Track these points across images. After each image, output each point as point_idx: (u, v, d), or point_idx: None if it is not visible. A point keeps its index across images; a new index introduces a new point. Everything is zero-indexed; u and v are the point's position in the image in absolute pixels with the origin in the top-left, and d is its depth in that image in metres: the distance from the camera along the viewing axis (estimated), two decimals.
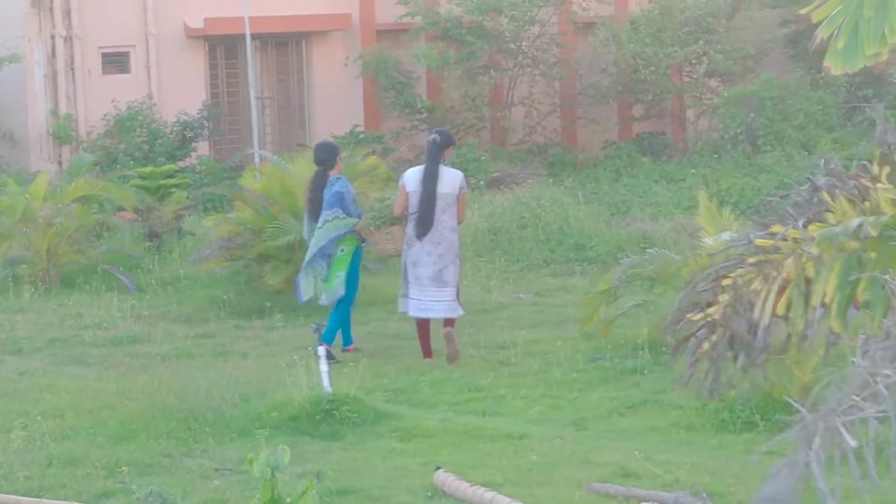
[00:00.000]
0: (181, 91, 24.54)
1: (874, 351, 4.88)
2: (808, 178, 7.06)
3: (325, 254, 13.41)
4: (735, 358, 6.94)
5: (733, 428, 10.46)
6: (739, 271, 6.86)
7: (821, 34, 5.19)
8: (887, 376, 4.68)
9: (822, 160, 7.19)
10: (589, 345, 13.37)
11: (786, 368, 9.94)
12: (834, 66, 5.25)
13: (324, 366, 11.16)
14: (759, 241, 6.76)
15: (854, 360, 5.01)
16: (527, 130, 26.21)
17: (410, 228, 13.06)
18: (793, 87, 24.76)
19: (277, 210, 16.02)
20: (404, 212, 13.16)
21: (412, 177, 13.10)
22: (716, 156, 24.26)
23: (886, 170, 6.51)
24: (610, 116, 26.76)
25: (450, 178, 12.99)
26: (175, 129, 24.16)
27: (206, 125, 24.67)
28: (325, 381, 11.14)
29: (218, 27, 24.62)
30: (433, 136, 13.23)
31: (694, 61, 26.16)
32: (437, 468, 9.42)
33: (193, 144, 24.42)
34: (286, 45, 25.97)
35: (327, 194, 13.39)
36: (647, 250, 14.82)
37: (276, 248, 16.00)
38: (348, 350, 13.71)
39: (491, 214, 19.77)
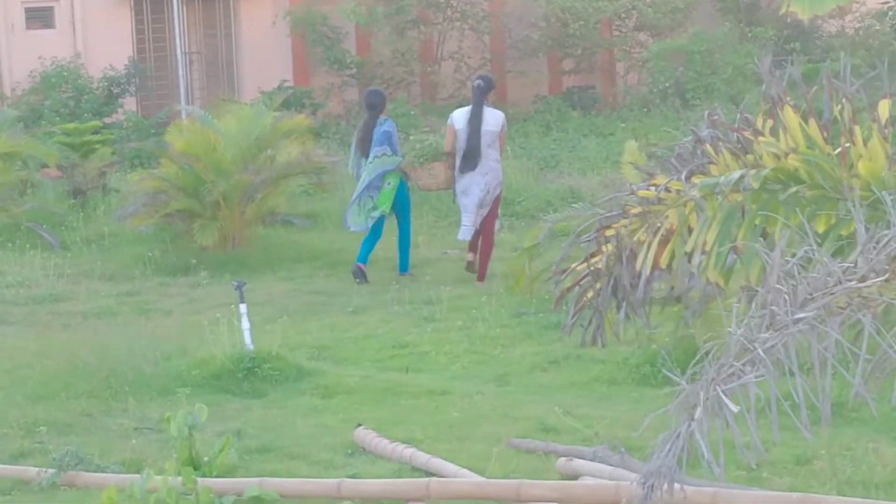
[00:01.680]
0: (107, 47, 24.25)
1: (749, 317, 4.88)
2: (692, 129, 7.06)
3: (374, 187, 14.84)
4: (617, 307, 6.95)
5: (654, 381, 10.47)
6: (623, 221, 6.86)
7: None
8: (765, 341, 4.68)
9: (706, 112, 7.19)
10: (514, 300, 13.36)
11: (711, 320, 9.98)
12: (801, 10, 5.20)
13: (246, 323, 11.08)
14: (641, 192, 6.75)
15: (730, 328, 5.01)
16: (457, 85, 26.10)
17: (460, 162, 14.60)
18: (721, 41, 24.79)
19: (201, 167, 15.89)
20: (453, 148, 14.66)
21: (460, 117, 14.71)
22: (645, 110, 24.28)
23: (770, 123, 6.50)
24: (540, 70, 26.70)
25: (492, 118, 14.66)
26: (101, 85, 23.92)
27: (133, 81, 24.42)
28: (248, 339, 11.07)
29: None
30: (477, 81, 14.93)
31: (623, 15, 26.13)
32: (358, 425, 9.40)
33: (120, 101, 24.19)
34: (213, 0, 25.71)
35: (376, 134, 14.86)
36: (574, 205, 14.81)
37: (203, 204, 15.90)
38: (406, 274, 15.05)
39: None
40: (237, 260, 15.87)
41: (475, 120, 14.52)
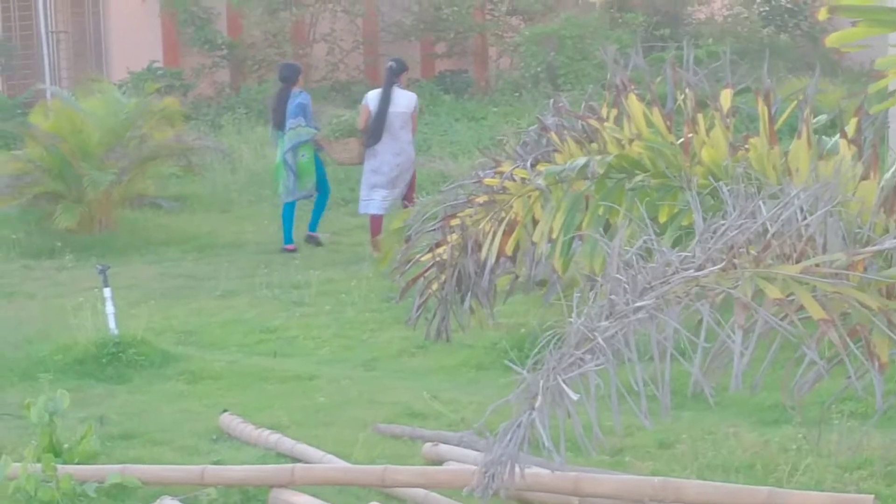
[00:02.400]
0: None
1: (589, 307, 4.92)
2: (538, 117, 7.08)
3: (288, 164, 15.45)
4: (462, 298, 6.95)
5: (522, 366, 10.49)
6: (469, 210, 6.86)
7: None
8: (605, 329, 4.72)
9: (551, 100, 7.21)
10: (383, 284, 13.31)
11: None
12: None
13: (110, 307, 10.93)
14: (487, 180, 6.75)
15: (570, 318, 5.04)
16: (329, 67, 25.99)
17: (366, 139, 15.21)
18: (592, 27, 24.94)
19: (67, 148, 15.64)
20: (366, 126, 15.19)
21: (374, 97, 15.30)
22: (517, 94, 24.37)
23: (615, 111, 6.54)
24: (412, 54, 26.65)
25: (404, 99, 15.21)
26: None
27: None
28: (112, 323, 10.92)
29: None
30: (390, 63, 15.54)
31: (496, 0, 26.20)
32: (224, 411, 9.31)
33: None
34: None
35: (290, 106, 15.42)
36: (443, 187, 14.79)
37: (68, 187, 15.66)
38: (288, 249, 15.41)
39: None
40: (104, 243, 15.66)
41: (385, 100, 15.03)
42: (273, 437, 8.70)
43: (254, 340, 11.82)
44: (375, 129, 15.02)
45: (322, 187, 15.93)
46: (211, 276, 14.25)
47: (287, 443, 8.57)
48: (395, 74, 15.25)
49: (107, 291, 11.00)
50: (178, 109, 17.14)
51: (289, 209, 15.67)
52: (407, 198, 14.98)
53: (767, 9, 27.34)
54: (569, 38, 24.53)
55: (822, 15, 5.63)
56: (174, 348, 11.24)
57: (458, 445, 8.40)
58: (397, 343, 11.55)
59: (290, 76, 15.81)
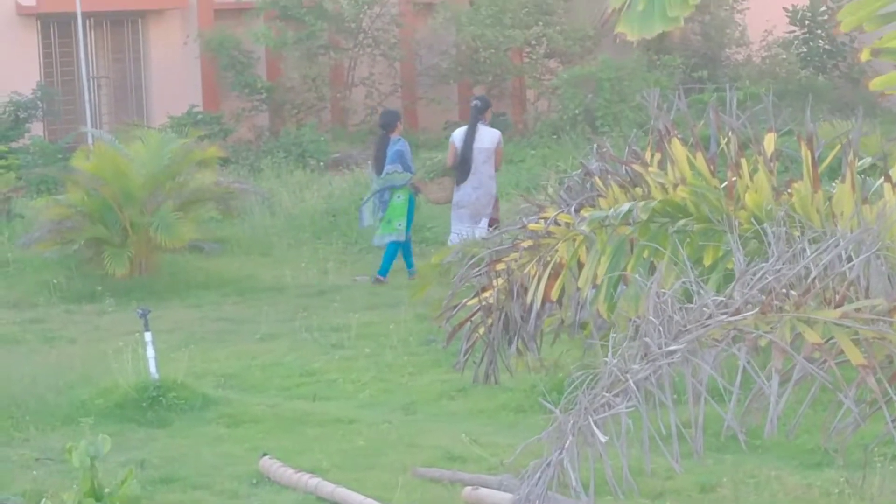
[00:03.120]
0: (14, 70, 23.95)
1: (623, 349, 4.90)
2: (581, 162, 7.09)
3: (384, 198, 15.98)
4: (509, 342, 6.95)
5: (561, 410, 10.47)
6: (514, 255, 6.87)
7: (612, 3, 5.11)
8: (636, 372, 4.70)
9: (595, 145, 7.22)
10: (422, 327, 13.34)
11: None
12: (629, 32, 5.18)
13: (150, 351, 10.99)
14: (531, 226, 6.77)
15: (605, 358, 5.03)
16: (368, 111, 26.10)
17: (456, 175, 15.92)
18: (630, 69, 24.98)
19: (109, 192, 15.74)
20: (455, 163, 15.95)
21: (459, 135, 16.12)
22: (555, 136, 24.40)
23: (658, 156, 6.54)
24: (451, 97, 26.78)
25: (488, 135, 15.92)
26: (7, 109, 23.64)
27: (40, 105, 24.16)
28: (152, 367, 10.97)
29: (51, 5, 24.14)
30: (475, 102, 16.35)
31: (534, 42, 26.27)
32: (264, 454, 9.34)
33: (27, 125, 23.90)
34: (121, 23, 25.52)
35: (389, 152, 15.96)
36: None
37: (110, 230, 15.76)
38: (412, 278, 15.66)
39: (329, 196, 19.69)
40: (144, 287, 15.73)
41: (470, 136, 15.83)
42: (313, 481, 8.72)
43: (294, 384, 11.84)
44: (463, 166, 15.83)
45: (407, 229, 16.35)
46: (251, 320, 14.29)
47: (327, 487, 8.59)
48: (480, 112, 16.06)
49: (147, 335, 11.07)
50: (218, 154, 17.22)
51: (393, 247, 16.14)
52: (492, 224, 15.45)
53: (805, 50, 27.30)
54: (607, 80, 24.58)
55: (864, 56, 5.62)
56: (214, 392, 11.28)
57: (497, 489, 8.39)
58: (437, 386, 11.55)
59: (389, 123, 16.48)
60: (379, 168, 16.23)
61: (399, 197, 16.08)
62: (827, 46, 27.29)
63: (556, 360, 10.72)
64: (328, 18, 25.28)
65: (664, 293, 4.81)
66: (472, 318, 7.21)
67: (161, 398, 10.74)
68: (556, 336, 7.11)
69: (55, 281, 15.84)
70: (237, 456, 9.66)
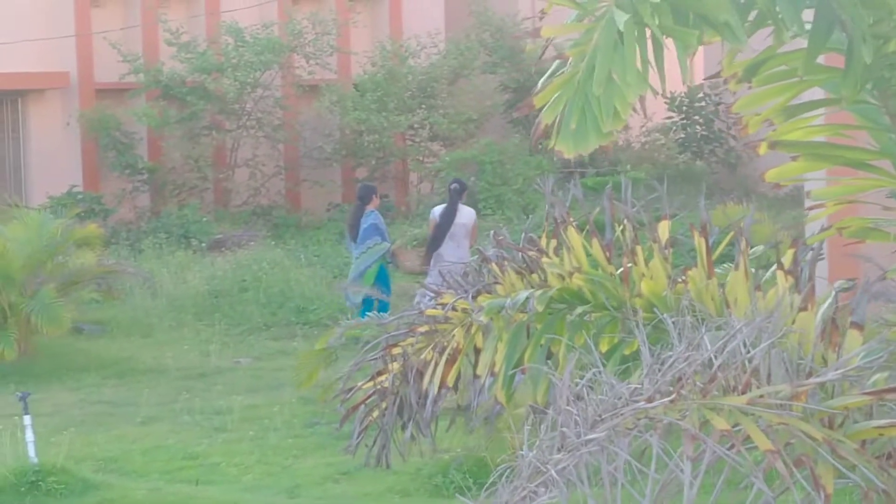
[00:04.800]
0: None
1: (541, 439, 4.95)
2: (479, 249, 7.17)
3: (360, 269, 16.70)
4: (403, 427, 6.96)
5: (447, 492, 10.47)
6: (410, 340, 6.90)
7: (544, 120, 5.18)
8: (557, 462, 4.74)
9: (492, 232, 7.30)
10: (307, 410, 13.27)
11: (497, 431, 10.05)
12: (566, 149, 5.25)
13: (30, 435, 10.79)
14: (429, 311, 6.82)
15: (521, 451, 5.06)
16: (251, 192, 26.08)
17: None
18: (512, 152, 25.26)
19: None
20: (434, 234, 17.00)
21: (438, 211, 17.15)
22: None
23: (553, 243, 6.63)
24: (334, 179, 26.85)
25: (467, 214, 17.07)
26: None
27: None
28: (31, 452, 10.77)
29: None
30: (454, 185, 17.24)
31: (417, 126, 26.45)
32: None
33: None
34: (1, 102, 25.26)
35: (363, 223, 16.69)
36: (368, 313, 14.85)
37: None
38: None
39: (212, 277, 19.56)
40: (23, 370, 15.48)
41: (451, 213, 16.83)
42: None
43: (176, 467, 11.68)
44: (438, 237, 16.81)
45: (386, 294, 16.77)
46: (131, 402, 14.11)
47: None
48: (459, 194, 17.05)
49: (27, 419, 10.87)
50: (99, 234, 17.07)
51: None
52: None
53: (683, 136, 27.83)
54: (489, 163, 24.81)
55: (762, 150, 5.75)
56: (95, 476, 11.07)
57: None
58: (321, 469, 11.47)
59: (366, 196, 17.15)
60: (353, 236, 16.97)
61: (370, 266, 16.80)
62: (704, 132, 27.83)
63: (441, 445, 10.77)
64: (211, 99, 25.26)
65: (578, 383, 4.86)
66: (367, 402, 7.21)
67: (40, 483, 10.53)
68: (451, 422, 7.14)
69: None
70: None
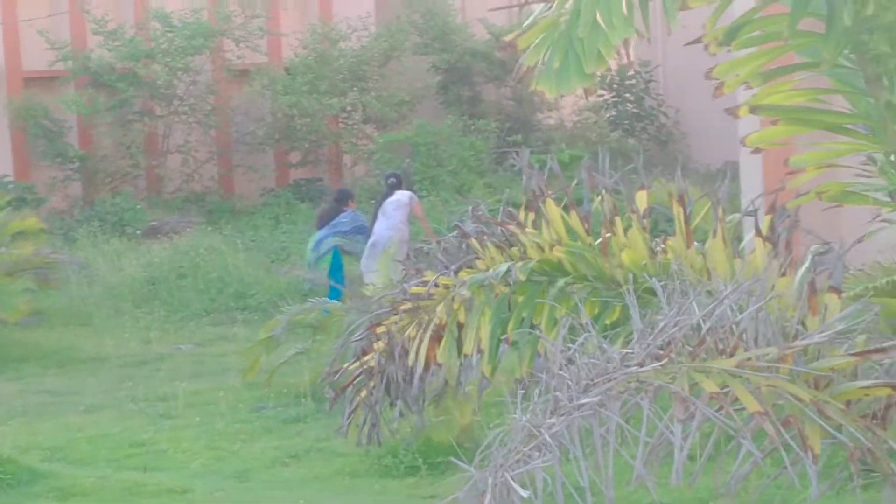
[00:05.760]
0: None
1: (534, 404, 5.00)
2: (457, 224, 7.20)
3: (322, 250, 17.10)
4: (392, 404, 7.01)
5: (396, 473, 10.49)
6: (394, 318, 6.93)
7: (527, 61, 5.24)
8: (550, 426, 4.80)
9: (470, 207, 7.34)
10: (251, 394, 13.25)
11: (445, 412, 10.09)
12: (548, 90, 5.29)
13: None
14: (412, 289, 6.85)
15: (514, 413, 5.11)
16: (184, 178, 25.94)
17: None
18: (445, 133, 25.27)
19: None
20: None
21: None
22: (373, 201, 24.44)
23: (532, 216, 6.67)
24: (267, 163, 26.77)
25: (399, 194, 17.15)
26: None
27: None
28: None
29: None
30: (391, 179, 17.71)
31: (350, 108, 26.41)
32: None
33: None
34: None
35: (348, 222, 17.20)
36: (309, 298, 14.88)
37: None
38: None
39: (148, 264, 19.47)
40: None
41: (382, 199, 17.32)
42: None
43: (123, 455, 11.63)
44: (374, 216, 17.18)
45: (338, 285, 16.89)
46: (74, 391, 14.04)
47: None
48: (395, 188, 17.28)
49: None
50: (38, 226, 16.94)
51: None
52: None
53: (615, 113, 27.96)
54: (423, 144, 24.82)
55: (742, 113, 5.81)
56: (41, 465, 11.02)
57: None
58: (269, 453, 11.45)
59: (342, 199, 17.79)
60: (321, 226, 17.37)
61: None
62: (635, 110, 27.97)
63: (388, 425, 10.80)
64: (141, 85, 25.09)
65: (570, 348, 4.91)
66: (354, 382, 7.24)
67: None
68: (439, 396, 7.19)
69: None
70: None
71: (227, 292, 18.52)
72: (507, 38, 5.53)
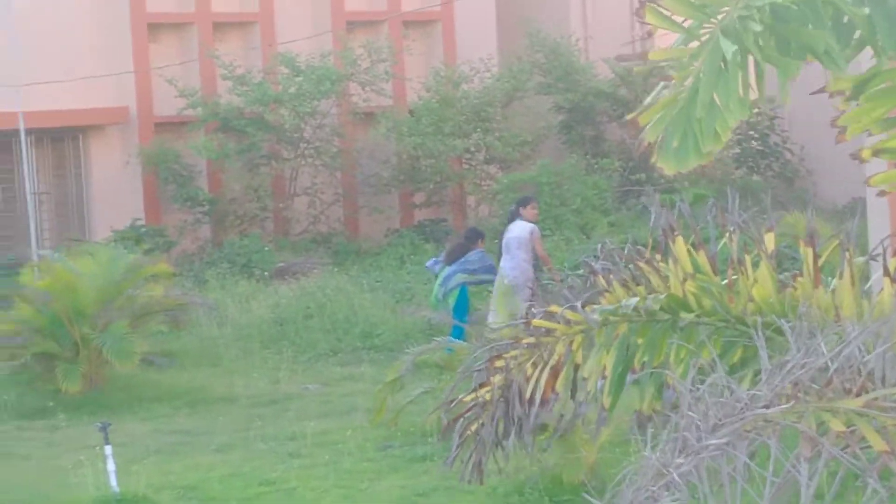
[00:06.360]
0: None
1: (663, 442, 5.07)
2: (585, 261, 7.28)
3: (450, 285, 17.66)
4: (501, 443, 7.08)
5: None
6: (514, 352, 7.03)
7: (647, 138, 5.42)
8: (679, 465, 4.86)
9: (599, 245, 7.42)
10: (378, 433, 13.39)
11: (571, 449, 10.14)
12: (667, 167, 5.48)
13: (111, 465, 10.98)
14: (536, 322, 6.94)
15: (644, 451, 5.18)
16: (310, 220, 26.29)
17: None
18: (568, 173, 25.33)
19: (60, 307, 15.76)
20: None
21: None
22: (496, 241, 24.58)
23: (658, 255, 6.76)
24: (392, 205, 27.02)
25: (518, 227, 17.65)
26: None
27: None
28: (113, 481, 10.96)
29: None
30: (512, 207, 18.71)
31: (473, 149, 26.58)
32: None
33: None
34: (62, 139, 25.61)
35: (477, 261, 17.79)
36: (434, 338, 15.03)
37: (61, 346, 15.76)
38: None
39: (276, 305, 19.76)
40: (96, 401, 15.70)
41: (505, 231, 17.96)
42: None
43: (253, 493, 11.82)
44: (499, 250, 17.83)
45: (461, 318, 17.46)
46: (205, 431, 14.28)
47: None
48: (515, 214, 18.02)
49: (108, 448, 11.06)
50: (167, 270, 17.30)
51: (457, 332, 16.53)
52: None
53: (738, 151, 27.83)
54: (546, 184, 24.88)
55: (866, 155, 5.91)
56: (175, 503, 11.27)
57: None
58: (396, 491, 11.58)
59: (473, 237, 18.45)
60: (450, 263, 17.89)
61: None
62: (759, 147, 27.82)
63: (515, 463, 10.86)
64: (269, 129, 25.51)
65: (700, 388, 4.99)
66: (467, 415, 7.34)
67: None
68: (556, 432, 7.25)
69: (5, 397, 15.77)
70: None
71: (354, 332, 18.73)
72: (629, 117, 5.68)
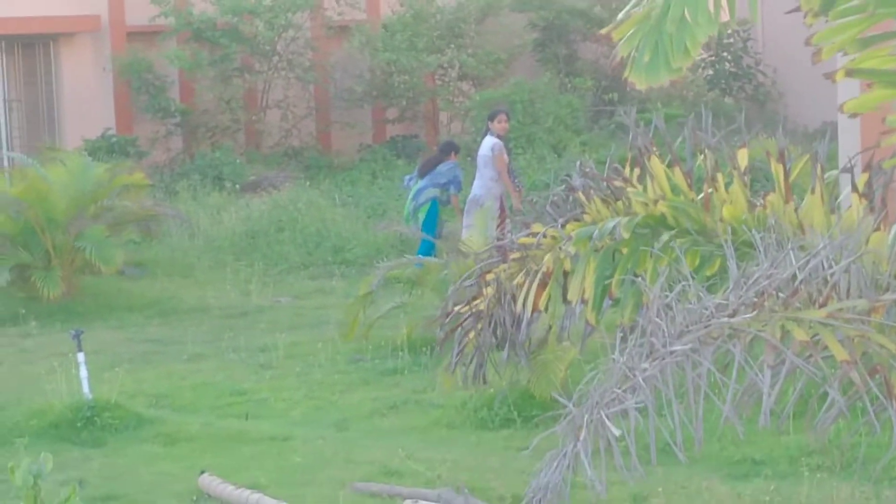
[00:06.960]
0: None
1: (630, 347, 5.17)
2: (565, 179, 7.37)
3: (421, 200, 17.41)
4: (498, 348, 7.24)
5: (492, 425, 10.69)
6: (503, 266, 7.14)
7: (620, 52, 5.54)
8: (644, 370, 4.96)
9: (578, 163, 7.52)
10: (349, 346, 13.50)
11: (542, 365, 10.26)
12: (638, 81, 5.60)
13: (84, 371, 11.05)
14: (522, 240, 7.05)
15: (612, 356, 5.29)
16: (282, 133, 26.23)
17: None
18: (542, 91, 25.30)
19: (33, 215, 15.74)
20: None
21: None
22: (469, 158, 24.61)
23: (637, 172, 6.84)
24: (364, 120, 26.97)
25: (487, 144, 17.21)
26: None
27: None
28: (86, 387, 11.04)
29: None
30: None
31: (447, 66, 26.53)
32: (202, 472, 9.45)
33: None
34: (33, 46, 25.43)
35: (446, 173, 17.45)
36: (405, 254, 15.11)
37: (33, 254, 15.76)
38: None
39: (248, 218, 19.80)
40: (67, 309, 15.76)
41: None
42: (254, 497, 8.85)
43: (225, 403, 11.94)
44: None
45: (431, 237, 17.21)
46: (177, 341, 14.37)
47: (268, 502, 8.71)
48: (487, 127, 17.57)
49: (80, 356, 11.12)
50: (144, 180, 17.29)
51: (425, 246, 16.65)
52: (500, 227, 16.08)
53: (712, 73, 27.85)
54: (519, 102, 24.85)
55: (839, 76, 5.96)
56: (147, 411, 11.37)
57: (436, 502, 8.57)
58: (368, 404, 11.71)
59: (447, 150, 18.12)
60: (423, 174, 17.62)
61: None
62: (732, 69, 27.85)
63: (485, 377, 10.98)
64: (242, 41, 25.37)
65: (667, 296, 5.08)
66: (463, 325, 7.47)
67: (95, 418, 10.81)
68: (543, 342, 7.38)
69: None
70: (175, 474, 9.77)
71: (325, 246, 18.80)
72: (603, 32, 5.77)
